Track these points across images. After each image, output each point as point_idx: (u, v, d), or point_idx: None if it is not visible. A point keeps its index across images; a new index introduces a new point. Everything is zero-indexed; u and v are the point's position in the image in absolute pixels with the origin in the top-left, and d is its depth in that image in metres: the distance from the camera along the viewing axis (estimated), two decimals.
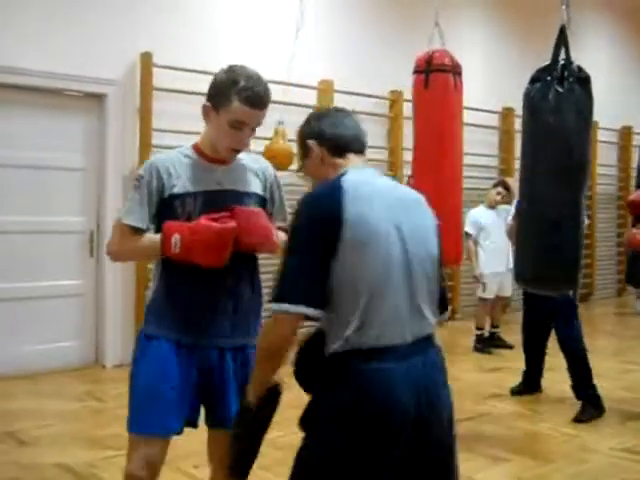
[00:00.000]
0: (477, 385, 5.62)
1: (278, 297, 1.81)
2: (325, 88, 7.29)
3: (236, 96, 2.25)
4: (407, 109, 7.67)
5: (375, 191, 1.91)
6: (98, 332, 5.97)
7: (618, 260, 10.80)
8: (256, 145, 6.41)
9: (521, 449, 4.16)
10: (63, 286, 5.76)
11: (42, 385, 5.32)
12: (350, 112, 2.10)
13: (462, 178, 4.54)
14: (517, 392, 5.24)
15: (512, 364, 5.86)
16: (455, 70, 4.29)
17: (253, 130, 2.33)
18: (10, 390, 5.19)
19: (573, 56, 3.59)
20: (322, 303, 1.82)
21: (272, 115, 7.04)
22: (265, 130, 6.58)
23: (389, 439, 1.83)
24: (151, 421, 2.27)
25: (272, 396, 1.95)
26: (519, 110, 9.25)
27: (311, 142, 2.00)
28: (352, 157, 2.00)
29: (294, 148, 6.31)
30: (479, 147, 8.76)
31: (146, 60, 6.02)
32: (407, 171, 7.38)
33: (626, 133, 10.86)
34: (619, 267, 10.85)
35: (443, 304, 2.11)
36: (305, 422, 1.89)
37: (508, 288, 7.03)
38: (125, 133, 5.99)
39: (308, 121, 2.06)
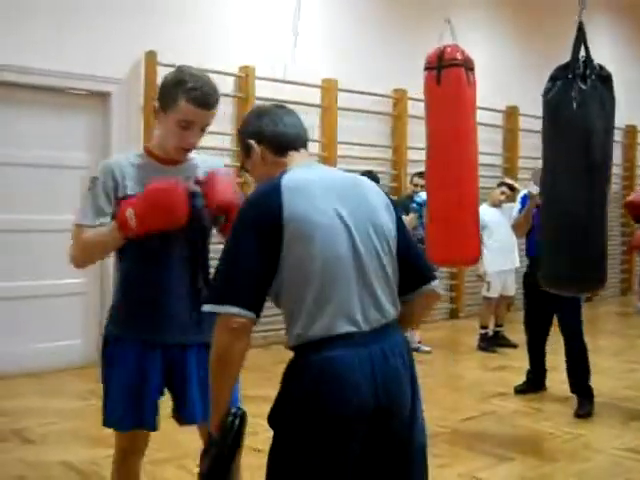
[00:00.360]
0: (481, 384, 5.63)
1: (218, 299, 1.80)
2: (328, 87, 7.29)
3: (183, 96, 2.25)
4: (411, 107, 7.70)
5: (314, 184, 1.89)
6: (101, 330, 5.97)
7: (622, 259, 10.79)
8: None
9: (525, 448, 4.15)
10: (66, 284, 5.76)
11: (46, 383, 5.34)
12: (291, 109, 2.06)
13: (478, 176, 4.46)
14: (521, 391, 5.24)
15: (516, 363, 5.87)
16: (467, 65, 4.19)
17: (202, 130, 2.34)
18: (14, 389, 5.21)
19: None
20: (257, 304, 1.80)
21: None
22: None
23: (345, 430, 1.80)
24: (125, 420, 2.39)
25: (235, 422, 1.84)
26: (523, 109, 9.28)
27: (251, 142, 1.98)
28: (294, 154, 1.98)
29: None
30: (483, 146, 8.66)
31: (150, 59, 6.03)
32: (411, 169, 7.39)
33: (630, 132, 10.85)
34: (623, 266, 10.84)
35: (427, 272, 2.04)
36: (271, 419, 1.87)
37: (512, 287, 7.03)
38: (129, 131, 5.99)
39: (247, 120, 2.03)
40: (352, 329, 1.82)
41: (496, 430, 4.51)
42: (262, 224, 1.81)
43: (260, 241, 1.80)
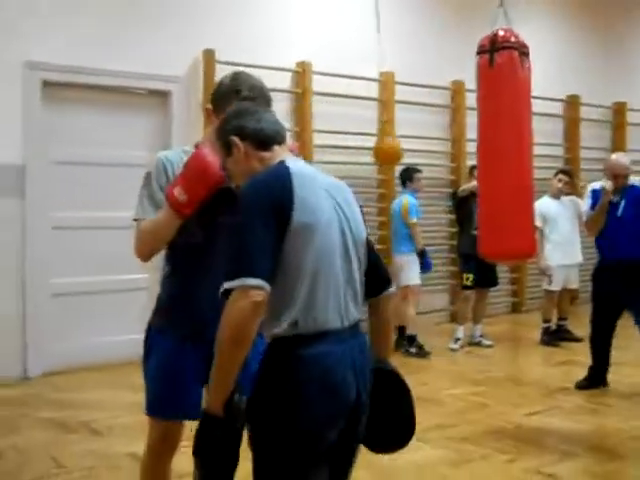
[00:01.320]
0: (545, 378, 5.54)
1: (235, 274, 1.77)
2: (386, 80, 7.27)
3: (237, 103, 2.28)
4: (469, 99, 7.61)
5: (313, 179, 1.95)
6: None
7: None
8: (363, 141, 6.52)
9: (591, 443, 4.09)
10: (131, 280, 5.89)
11: (112, 377, 5.46)
12: (268, 108, 2.16)
13: (533, 165, 4.27)
14: (582, 387, 5.14)
15: (580, 357, 5.75)
16: (521, 49, 4.07)
17: None
18: (82, 382, 5.36)
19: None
20: (271, 280, 1.80)
21: (339, 109, 7.08)
22: (329, 123, 6.67)
23: (332, 422, 1.86)
24: (166, 407, 2.42)
25: (242, 400, 1.84)
26: (585, 98, 9.07)
27: (234, 138, 2.00)
28: (277, 148, 2.01)
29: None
30: (543, 136, 8.57)
31: (209, 57, 6.11)
32: (469, 162, 7.31)
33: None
34: None
35: (384, 281, 2.14)
36: (254, 410, 1.85)
37: (575, 280, 6.90)
38: (189, 129, 6.07)
39: (227, 120, 2.06)
40: (339, 325, 1.90)
41: (561, 425, 4.44)
42: (275, 204, 1.83)
43: (273, 220, 1.82)
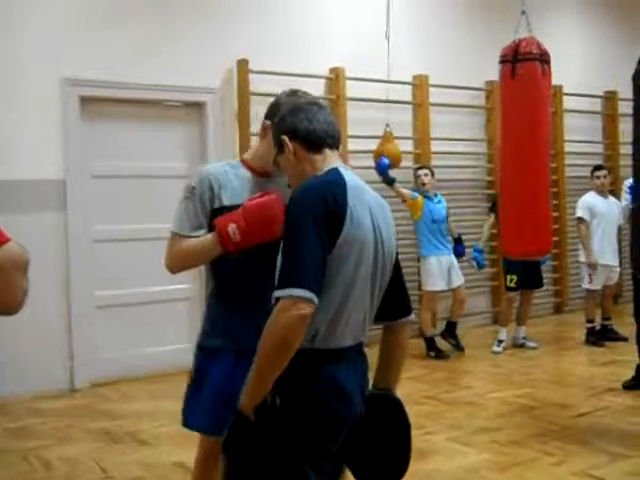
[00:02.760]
0: (591, 379, 5.46)
1: (286, 283, 1.77)
2: (420, 83, 7.24)
3: None
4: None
5: (362, 192, 1.92)
6: None
7: None
8: (367, 144, 6.50)
9: None
10: (173, 290, 5.95)
11: (156, 387, 5.52)
12: (324, 106, 2.07)
13: (550, 171, 4.51)
14: (630, 387, 5.04)
15: (627, 357, 5.64)
16: (543, 58, 4.18)
17: None
18: (127, 392, 5.42)
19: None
20: (320, 292, 1.79)
21: (374, 113, 7.10)
22: (363, 128, 6.66)
23: (337, 435, 1.90)
24: (219, 426, 2.33)
25: (276, 402, 1.83)
26: (623, 93, 8.94)
27: (285, 138, 1.98)
28: (328, 152, 1.98)
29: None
30: (581, 133, 8.48)
31: (242, 67, 6.15)
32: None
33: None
34: None
35: (406, 306, 2.10)
36: (266, 413, 1.83)
37: (614, 277, 6.77)
38: (224, 139, 6.14)
39: (282, 117, 2.02)
40: (352, 343, 1.93)
41: (610, 427, 4.36)
42: (330, 215, 1.80)
43: (325, 231, 1.79)
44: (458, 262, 6.46)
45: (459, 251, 6.49)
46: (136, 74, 5.75)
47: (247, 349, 2.29)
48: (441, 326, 6.73)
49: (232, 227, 2.23)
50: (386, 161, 6.08)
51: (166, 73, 5.86)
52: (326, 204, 1.81)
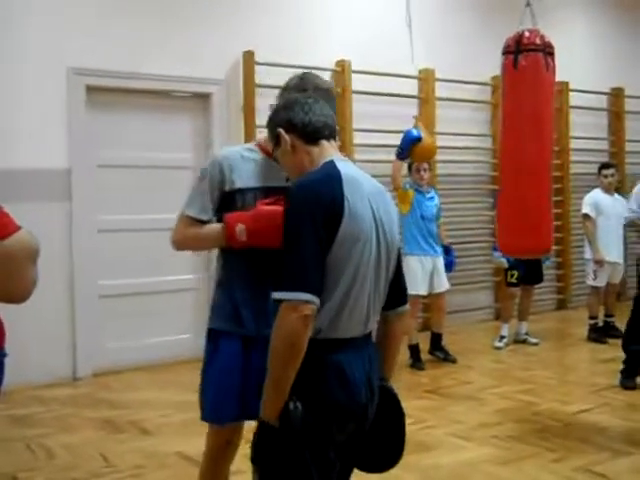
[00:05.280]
0: (592, 376, 5.47)
1: (285, 285, 1.78)
2: (426, 77, 7.23)
3: None
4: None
5: (360, 184, 1.91)
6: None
7: None
8: (372, 138, 6.47)
9: None
10: (178, 281, 5.99)
11: (160, 376, 5.54)
12: (319, 99, 2.05)
13: (552, 164, 4.38)
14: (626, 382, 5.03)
15: None
16: (546, 50, 4.09)
17: None
18: (131, 382, 5.44)
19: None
20: (321, 291, 1.81)
21: (380, 107, 7.08)
22: (370, 121, 6.65)
23: (346, 417, 1.90)
24: (223, 412, 2.41)
25: (298, 407, 1.82)
26: (629, 90, 8.89)
27: (281, 130, 1.98)
28: (325, 143, 1.98)
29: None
30: (587, 130, 8.46)
31: (248, 58, 6.14)
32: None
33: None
34: None
35: (403, 296, 2.11)
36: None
37: (618, 275, 6.77)
38: (230, 130, 6.13)
39: (277, 110, 2.04)
40: (359, 333, 1.93)
41: (611, 423, 4.37)
42: (327, 213, 1.81)
43: (323, 229, 1.80)
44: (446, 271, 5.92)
45: (448, 263, 5.89)
46: (142, 64, 5.75)
47: (254, 335, 2.37)
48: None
49: (240, 227, 2.28)
50: (415, 134, 5.45)
51: (172, 64, 5.86)
52: (322, 201, 1.82)
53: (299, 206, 1.84)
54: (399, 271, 2.08)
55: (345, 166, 1.94)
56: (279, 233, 2.16)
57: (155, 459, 3.86)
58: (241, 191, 2.39)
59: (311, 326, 1.79)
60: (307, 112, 1.98)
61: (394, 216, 2.03)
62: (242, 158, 2.43)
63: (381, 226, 1.93)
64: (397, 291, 2.08)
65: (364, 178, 1.97)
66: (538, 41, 4.08)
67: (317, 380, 1.86)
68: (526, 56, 4.05)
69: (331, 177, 1.87)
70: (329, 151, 1.98)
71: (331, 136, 2.01)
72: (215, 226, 2.40)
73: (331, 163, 1.92)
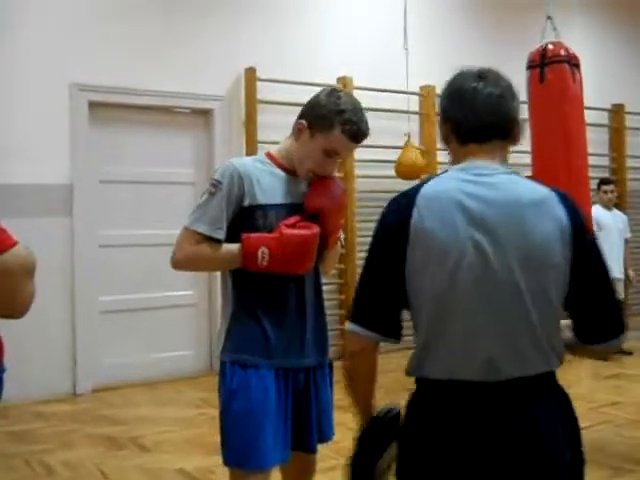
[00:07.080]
0: (594, 392, 5.44)
1: (350, 315, 1.72)
2: (427, 94, 7.25)
3: (340, 126, 2.18)
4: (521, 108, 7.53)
5: (459, 201, 1.60)
6: (211, 341, 6.13)
7: None
8: (375, 153, 6.48)
9: None
10: (177, 297, 5.99)
11: (160, 393, 5.52)
12: (494, 88, 1.92)
13: (589, 178, 4.23)
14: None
15: (630, 370, 5.64)
16: (572, 61, 3.98)
17: (340, 159, 2.28)
18: (130, 398, 5.42)
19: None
20: (382, 324, 1.67)
21: (382, 123, 7.08)
22: (372, 137, 6.66)
23: None
24: (255, 456, 2.13)
25: (379, 426, 1.77)
26: (629, 107, 8.91)
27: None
28: (473, 147, 1.73)
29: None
30: (588, 146, 8.43)
31: (250, 75, 6.17)
32: (525, 172, 7.23)
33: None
34: None
35: (614, 324, 1.81)
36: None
37: (620, 292, 6.76)
38: (232, 146, 6.15)
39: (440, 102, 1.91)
40: (480, 378, 1.58)
41: (612, 441, 4.34)
42: (390, 238, 1.65)
43: (389, 255, 1.65)
44: None
45: None
46: (144, 80, 5.78)
47: (286, 366, 2.18)
48: None
49: (263, 251, 2.08)
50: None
51: (174, 80, 5.90)
52: (389, 223, 1.66)
53: (375, 232, 1.71)
54: (590, 298, 1.71)
55: (444, 181, 1.67)
56: (306, 262, 2.13)
57: (154, 476, 3.84)
58: (262, 207, 2.15)
59: (362, 361, 1.73)
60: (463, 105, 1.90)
61: (542, 228, 1.60)
62: (259, 170, 2.20)
63: (486, 240, 1.58)
64: (593, 323, 1.76)
65: (478, 192, 1.62)
66: (563, 52, 3.96)
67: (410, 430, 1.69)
68: (552, 68, 3.90)
69: (406, 197, 1.66)
70: (473, 156, 1.74)
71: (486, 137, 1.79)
72: (231, 247, 2.13)
73: (426, 180, 1.72)
